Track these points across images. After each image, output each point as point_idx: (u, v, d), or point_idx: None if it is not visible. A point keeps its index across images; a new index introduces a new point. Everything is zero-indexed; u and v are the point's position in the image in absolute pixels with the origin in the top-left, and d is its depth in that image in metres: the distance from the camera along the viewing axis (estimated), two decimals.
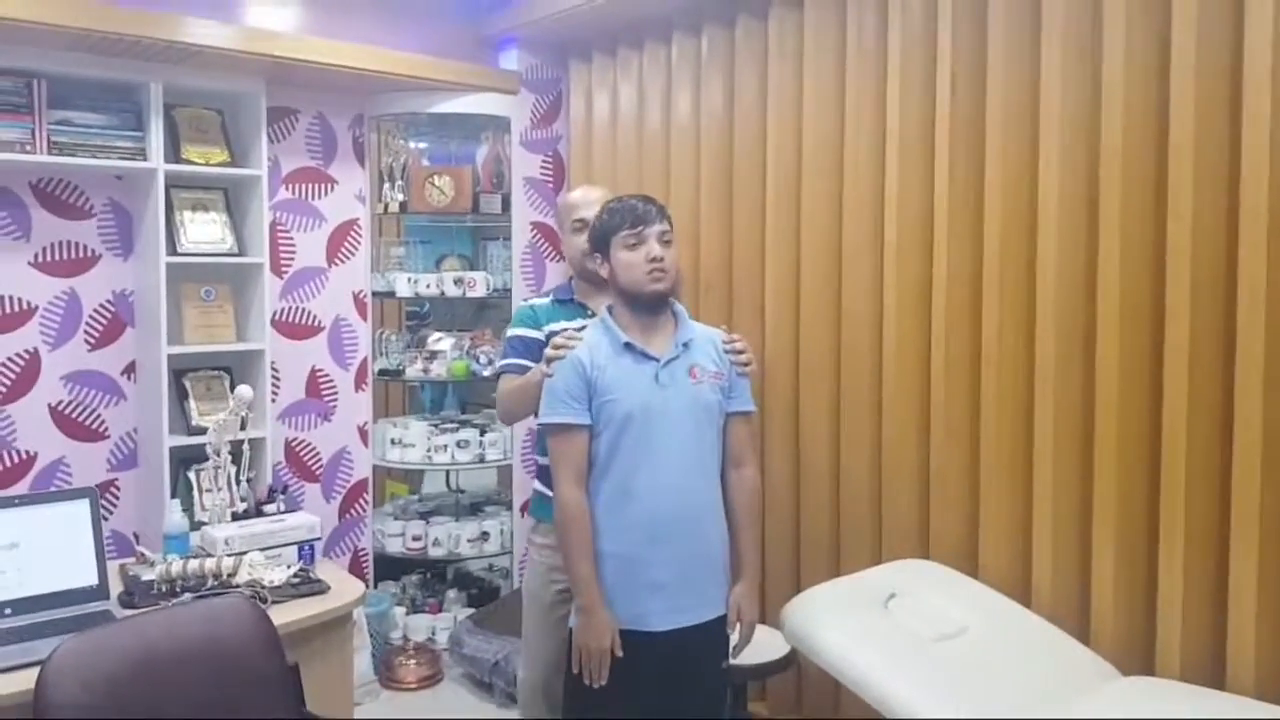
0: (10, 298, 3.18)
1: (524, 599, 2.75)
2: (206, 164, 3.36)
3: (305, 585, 2.66)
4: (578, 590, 2.28)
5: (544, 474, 2.70)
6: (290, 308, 3.76)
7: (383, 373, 3.95)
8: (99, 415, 3.37)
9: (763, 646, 2.91)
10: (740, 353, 2.43)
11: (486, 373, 3.80)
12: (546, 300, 2.75)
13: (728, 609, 2.40)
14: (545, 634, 2.64)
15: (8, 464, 3.20)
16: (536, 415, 2.43)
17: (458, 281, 3.85)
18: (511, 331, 2.72)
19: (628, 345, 2.32)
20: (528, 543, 2.81)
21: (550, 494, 2.63)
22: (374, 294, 3.95)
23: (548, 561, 2.63)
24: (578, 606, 2.29)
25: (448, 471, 4.17)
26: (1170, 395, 2.30)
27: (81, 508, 2.56)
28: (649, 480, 2.29)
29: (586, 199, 2.74)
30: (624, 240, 2.34)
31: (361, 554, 3.98)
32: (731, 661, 2.47)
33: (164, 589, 2.55)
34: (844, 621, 2.43)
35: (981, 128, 2.68)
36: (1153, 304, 2.36)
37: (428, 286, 3.83)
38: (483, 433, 3.90)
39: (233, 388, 3.32)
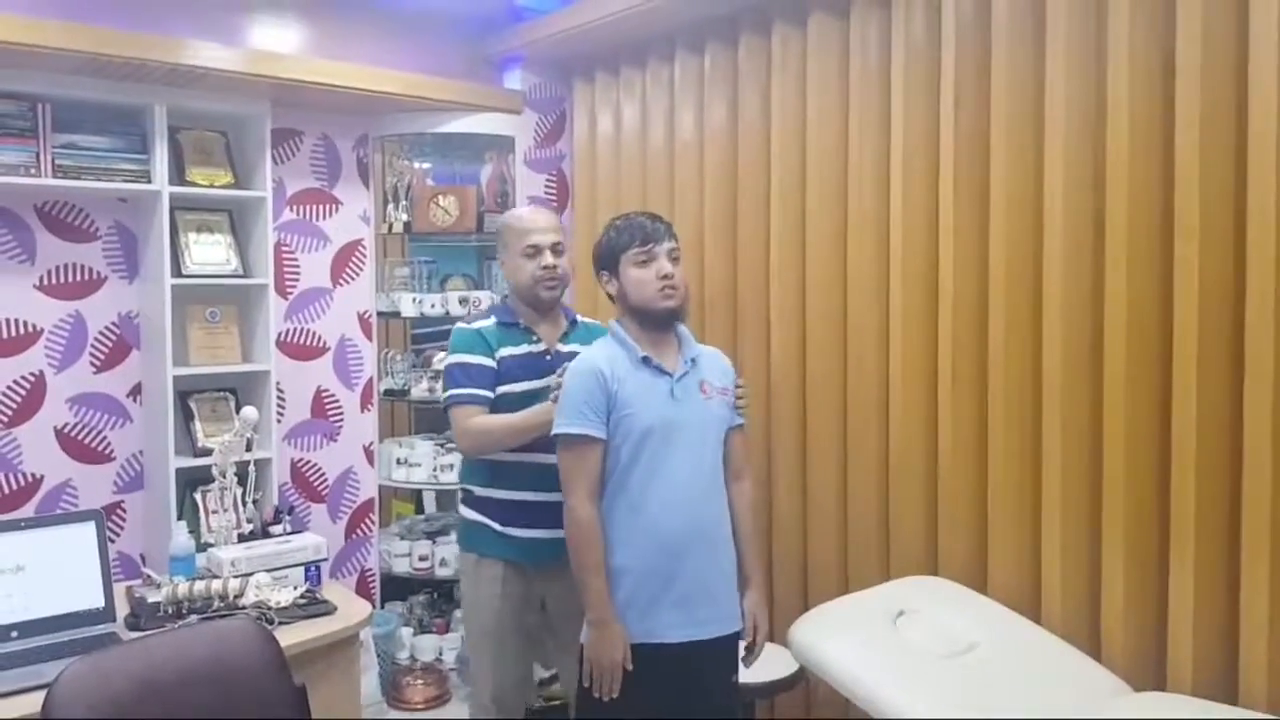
0: (15, 321, 3.19)
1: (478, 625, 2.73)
2: (211, 186, 3.37)
3: (312, 606, 2.66)
4: (590, 604, 2.28)
5: (482, 504, 2.68)
6: (295, 329, 3.76)
7: (388, 393, 3.95)
8: (105, 437, 3.37)
9: (771, 664, 2.90)
10: (740, 398, 2.51)
11: None
12: (490, 323, 2.68)
13: (743, 621, 2.41)
14: (513, 654, 2.68)
15: (14, 487, 3.20)
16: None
17: (463, 301, 3.85)
18: (461, 358, 2.62)
19: (645, 359, 2.33)
20: (471, 575, 2.73)
21: (494, 526, 2.63)
22: (379, 314, 3.95)
23: (498, 590, 2.64)
24: (589, 620, 2.29)
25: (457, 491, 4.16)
26: (1179, 409, 2.29)
27: (88, 530, 2.57)
28: (664, 494, 2.30)
29: (538, 225, 2.69)
30: (634, 258, 2.35)
31: (368, 574, 3.97)
32: (745, 669, 2.48)
33: (170, 611, 2.55)
34: (853, 638, 2.42)
35: (986, 143, 2.68)
36: (1160, 319, 2.36)
37: (433, 306, 3.83)
38: None
39: (238, 409, 3.32)
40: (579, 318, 2.84)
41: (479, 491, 2.68)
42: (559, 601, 2.70)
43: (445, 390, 2.64)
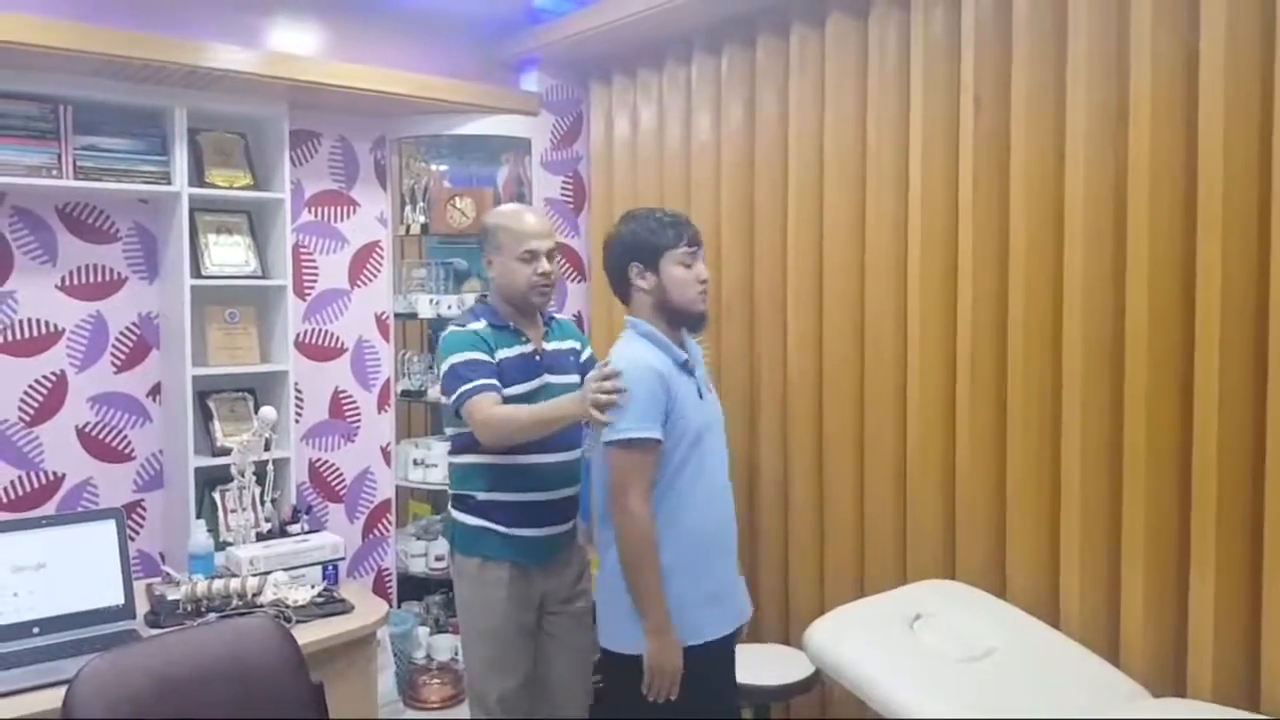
0: (38, 321, 3.21)
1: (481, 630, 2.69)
2: (230, 187, 3.40)
3: (329, 605, 2.67)
4: (650, 611, 2.26)
5: (485, 508, 2.65)
6: (313, 329, 3.78)
7: (405, 394, 3.96)
8: (125, 436, 3.39)
9: (787, 666, 2.91)
10: None
11: None
12: (482, 325, 2.64)
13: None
14: (516, 654, 2.67)
15: (36, 485, 3.22)
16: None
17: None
18: (465, 356, 2.56)
19: (685, 363, 2.34)
20: (474, 579, 2.68)
21: (500, 529, 2.62)
22: (396, 315, 3.97)
23: (503, 592, 2.62)
24: (650, 629, 2.26)
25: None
26: (1201, 410, 2.27)
27: (108, 528, 2.59)
28: (707, 494, 2.35)
29: (537, 230, 2.65)
30: (680, 258, 2.36)
31: (385, 574, 3.99)
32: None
33: (189, 609, 2.57)
34: (869, 641, 2.41)
35: (1005, 143, 2.66)
36: (1183, 317, 2.34)
37: (449, 308, 3.84)
38: None
39: (256, 409, 3.34)
40: (552, 315, 2.84)
41: (481, 496, 2.65)
42: (554, 598, 2.71)
43: (454, 390, 2.55)
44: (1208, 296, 2.24)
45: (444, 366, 2.60)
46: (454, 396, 2.56)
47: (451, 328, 2.69)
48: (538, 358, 2.68)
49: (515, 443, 2.54)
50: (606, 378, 2.24)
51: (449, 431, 2.71)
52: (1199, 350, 2.27)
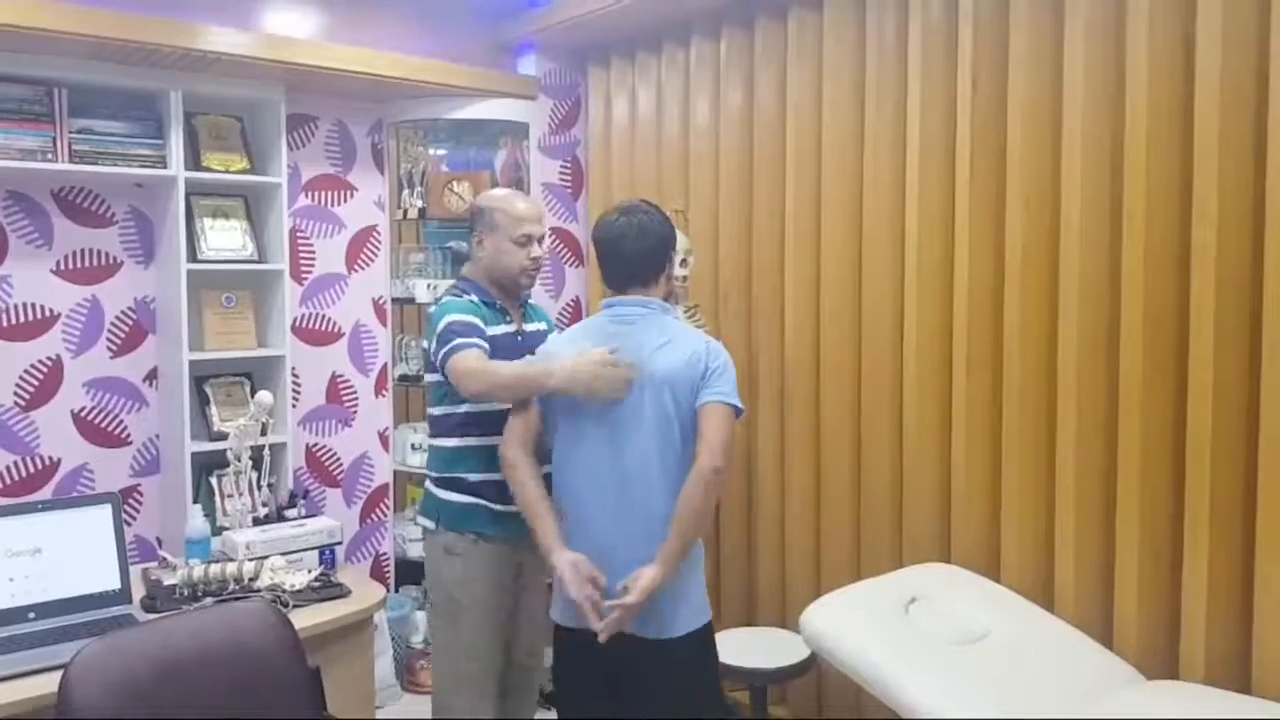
0: (33, 305, 3.21)
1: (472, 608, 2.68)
2: (226, 171, 3.38)
3: (326, 589, 2.67)
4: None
5: (475, 487, 2.65)
6: (310, 314, 3.77)
7: (403, 378, 3.96)
8: (121, 421, 3.39)
9: (783, 649, 2.91)
10: None
11: None
12: (474, 301, 2.66)
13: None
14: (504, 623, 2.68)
15: (32, 470, 3.22)
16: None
17: None
18: (462, 318, 2.57)
19: None
20: (467, 555, 2.67)
21: (494, 506, 2.62)
22: (393, 300, 3.96)
23: (494, 568, 2.64)
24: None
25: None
26: (1195, 395, 2.28)
27: (104, 513, 2.59)
28: None
29: (533, 215, 2.69)
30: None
31: (383, 558, 3.99)
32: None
33: (186, 593, 2.57)
34: (865, 625, 2.42)
35: (1003, 128, 2.66)
36: (1177, 304, 2.34)
37: None
38: None
39: (253, 394, 3.34)
40: (527, 297, 2.84)
41: (472, 478, 2.65)
42: (531, 568, 2.72)
43: (443, 347, 2.54)
44: (1202, 281, 2.25)
45: (439, 325, 2.58)
46: (442, 352, 2.54)
47: (447, 298, 2.69)
48: (519, 338, 2.70)
49: (495, 397, 2.53)
50: (613, 362, 2.30)
51: (435, 412, 2.69)
52: (1194, 334, 2.28)
